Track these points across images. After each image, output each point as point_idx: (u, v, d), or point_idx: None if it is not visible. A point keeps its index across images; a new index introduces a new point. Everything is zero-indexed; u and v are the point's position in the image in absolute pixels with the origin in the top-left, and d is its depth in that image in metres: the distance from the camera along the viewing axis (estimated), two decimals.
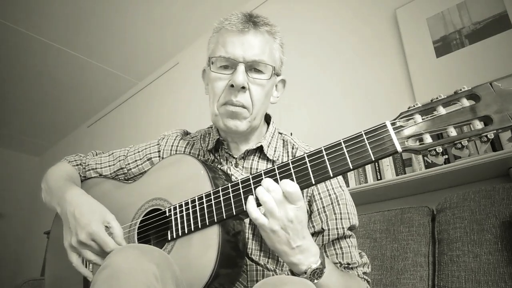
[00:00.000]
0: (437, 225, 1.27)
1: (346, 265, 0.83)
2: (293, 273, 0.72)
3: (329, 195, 0.87)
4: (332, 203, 0.86)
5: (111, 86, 3.63)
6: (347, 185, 1.68)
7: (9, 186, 4.52)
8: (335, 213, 0.85)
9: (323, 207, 0.86)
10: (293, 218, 0.65)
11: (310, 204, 0.88)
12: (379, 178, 1.61)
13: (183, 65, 3.19)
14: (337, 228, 0.84)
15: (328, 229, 0.84)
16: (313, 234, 0.86)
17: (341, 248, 0.84)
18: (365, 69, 2.02)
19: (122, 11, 2.76)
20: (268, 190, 0.67)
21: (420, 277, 1.19)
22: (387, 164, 1.60)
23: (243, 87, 0.84)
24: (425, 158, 1.49)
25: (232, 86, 0.83)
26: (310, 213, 0.88)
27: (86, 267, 0.86)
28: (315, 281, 0.67)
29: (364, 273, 0.86)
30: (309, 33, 2.34)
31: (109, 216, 0.83)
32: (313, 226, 0.86)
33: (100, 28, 2.91)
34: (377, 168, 1.63)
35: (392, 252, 1.28)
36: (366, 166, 1.66)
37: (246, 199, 0.72)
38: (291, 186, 0.66)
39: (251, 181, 0.72)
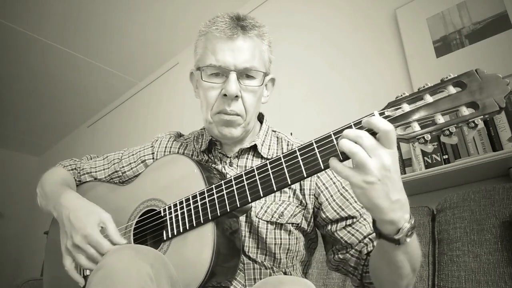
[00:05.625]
0: (437, 225, 1.27)
1: None
2: (382, 236, 0.62)
3: (334, 182, 0.88)
4: (339, 190, 0.87)
5: (111, 86, 3.62)
6: None
7: (9, 186, 4.51)
8: (347, 199, 0.86)
9: (331, 195, 0.86)
10: (390, 166, 0.57)
11: (316, 197, 0.88)
12: None
13: (183, 65, 3.19)
14: (357, 210, 0.84)
15: (349, 215, 0.84)
16: (329, 223, 0.86)
17: (369, 223, 0.84)
18: (365, 69, 2.02)
19: (122, 11, 2.76)
20: (356, 137, 0.58)
21: (420, 277, 1.19)
22: None
23: (236, 96, 0.83)
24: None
25: (225, 95, 0.83)
26: (319, 205, 0.87)
27: (80, 272, 0.85)
28: (407, 239, 0.60)
29: None
30: (309, 33, 2.33)
31: (104, 216, 0.82)
32: (327, 217, 0.85)
33: (100, 28, 2.91)
34: None
35: None
36: None
37: (240, 195, 0.72)
38: (386, 124, 0.57)
39: (244, 178, 0.72)
